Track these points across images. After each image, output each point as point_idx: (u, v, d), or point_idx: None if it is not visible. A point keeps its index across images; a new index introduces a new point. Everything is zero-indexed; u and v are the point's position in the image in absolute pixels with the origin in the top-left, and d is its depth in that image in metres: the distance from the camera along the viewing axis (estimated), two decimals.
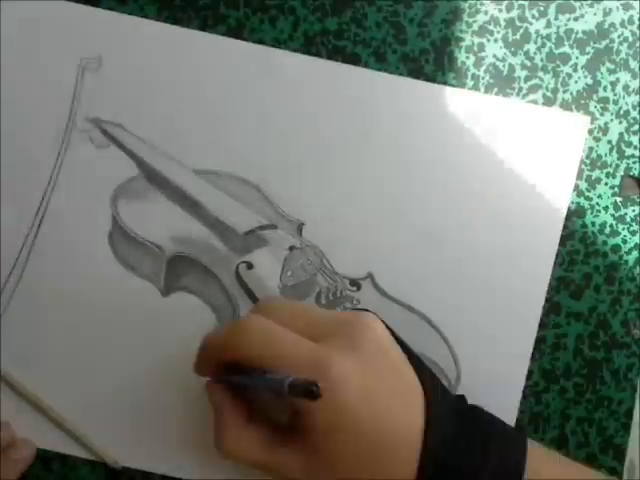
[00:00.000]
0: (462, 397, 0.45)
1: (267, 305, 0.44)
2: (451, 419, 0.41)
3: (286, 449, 0.42)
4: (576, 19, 0.52)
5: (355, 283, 0.50)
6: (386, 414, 0.40)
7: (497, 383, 0.50)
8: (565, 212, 0.51)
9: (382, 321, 0.44)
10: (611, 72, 0.52)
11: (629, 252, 0.51)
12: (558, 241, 0.51)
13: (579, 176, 0.51)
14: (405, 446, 0.40)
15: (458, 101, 0.51)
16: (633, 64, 0.52)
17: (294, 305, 0.45)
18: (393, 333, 0.44)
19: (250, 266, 0.50)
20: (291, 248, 0.51)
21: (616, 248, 0.51)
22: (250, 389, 0.44)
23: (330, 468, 0.41)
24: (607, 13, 0.52)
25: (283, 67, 0.51)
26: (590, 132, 0.52)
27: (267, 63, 0.51)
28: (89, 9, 0.51)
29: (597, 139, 0.52)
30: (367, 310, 0.46)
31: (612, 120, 0.52)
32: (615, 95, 0.52)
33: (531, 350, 0.50)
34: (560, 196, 0.51)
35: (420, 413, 0.41)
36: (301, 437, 0.41)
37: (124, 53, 0.51)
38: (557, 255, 0.51)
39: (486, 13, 0.51)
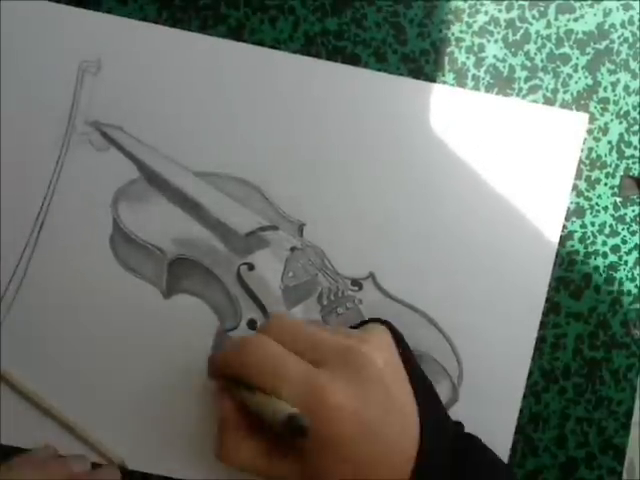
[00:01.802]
0: (459, 424, 0.46)
1: (275, 324, 0.45)
2: (444, 451, 0.42)
3: (284, 461, 0.42)
4: (576, 20, 0.51)
5: (357, 283, 0.51)
6: (379, 445, 0.41)
7: (498, 382, 0.50)
8: (565, 211, 0.51)
9: (395, 334, 0.45)
10: (611, 73, 0.52)
11: (629, 252, 0.51)
12: (558, 240, 0.51)
13: (579, 176, 0.51)
14: (397, 477, 0.41)
15: (457, 100, 0.51)
16: (633, 65, 0.52)
17: (301, 326, 0.45)
18: (405, 349, 0.44)
19: (251, 267, 0.50)
20: (292, 249, 0.51)
21: (616, 248, 0.52)
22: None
23: None
24: (607, 14, 0.51)
25: (282, 68, 0.51)
26: (590, 132, 0.52)
27: (266, 65, 0.51)
28: (88, 12, 0.51)
29: (597, 139, 0.52)
30: (380, 320, 0.46)
31: (612, 120, 0.52)
32: (615, 95, 0.52)
33: (532, 350, 0.51)
34: (559, 194, 0.51)
35: (414, 447, 0.41)
36: (299, 453, 0.42)
37: (123, 56, 0.51)
38: (557, 255, 0.51)
39: (486, 13, 0.51)
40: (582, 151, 0.51)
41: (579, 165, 0.51)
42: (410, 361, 0.44)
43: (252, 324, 0.49)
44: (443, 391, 0.49)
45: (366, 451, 0.41)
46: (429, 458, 0.41)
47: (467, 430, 0.45)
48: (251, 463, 0.43)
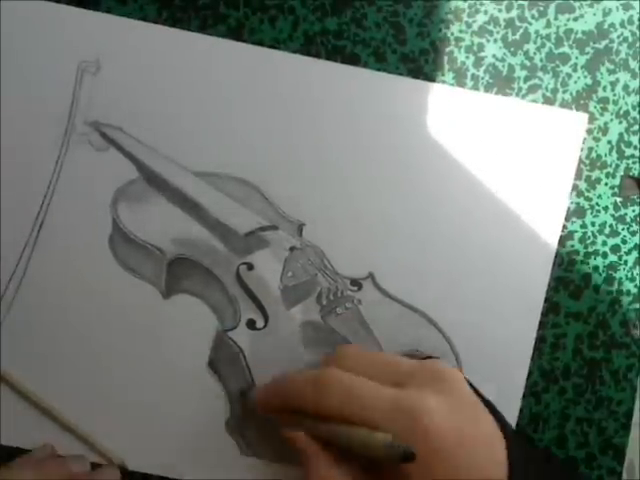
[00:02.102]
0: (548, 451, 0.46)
1: (340, 355, 0.44)
2: (530, 464, 0.41)
3: None
4: (576, 19, 0.51)
5: (356, 283, 0.50)
6: (479, 459, 0.40)
7: (498, 382, 0.50)
8: (565, 210, 0.51)
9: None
10: (611, 72, 0.52)
11: (629, 252, 0.51)
12: (557, 240, 0.51)
13: (579, 176, 0.51)
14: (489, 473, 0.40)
15: (456, 100, 0.51)
16: (633, 64, 0.51)
17: (371, 353, 0.45)
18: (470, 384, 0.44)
19: (251, 267, 0.50)
20: (292, 249, 0.51)
21: (616, 248, 0.51)
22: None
23: None
24: (607, 13, 0.51)
25: (282, 68, 0.51)
26: (590, 132, 0.52)
27: (265, 65, 0.51)
28: (87, 12, 0.50)
29: (597, 139, 0.52)
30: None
31: (612, 120, 0.52)
32: (615, 95, 0.52)
33: (532, 350, 0.51)
34: (559, 194, 0.51)
35: (504, 460, 0.40)
36: (398, 474, 0.40)
37: (122, 56, 0.51)
38: (557, 255, 0.51)
39: (486, 13, 0.51)
40: (582, 151, 0.51)
41: (579, 165, 0.51)
42: (478, 393, 0.43)
43: (251, 324, 0.49)
44: None
45: (466, 465, 0.39)
46: (520, 468, 0.40)
47: None
48: None
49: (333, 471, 0.42)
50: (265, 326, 0.49)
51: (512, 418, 0.50)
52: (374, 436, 0.39)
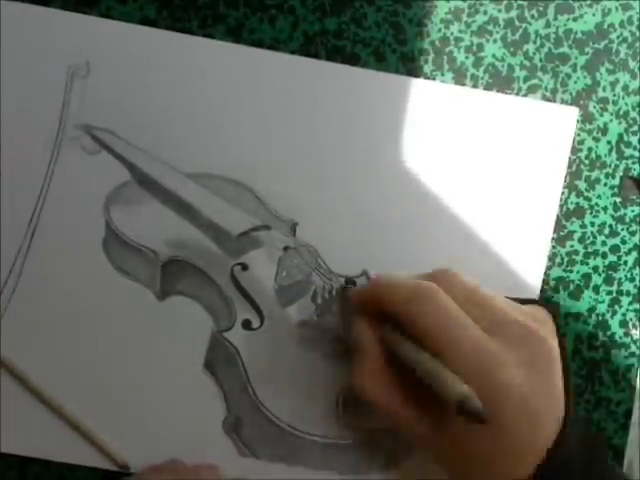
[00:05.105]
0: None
1: (443, 277, 0.42)
2: (577, 447, 0.40)
3: (421, 411, 0.41)
4: (575, 19, 0.51)
5: (350, 281, 0.50)
6: (532, 436, 0.39)
7: None
8: (557, 206, 0.51)
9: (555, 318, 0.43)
10: (610, 72, 0.52)
11: (628, 252, 0.52)
12: (551, 237, 0.51)
13: (578, 176, 0.52)
14: (534, 455, 0.39)
15: (449, 97, 0.51)
16: (632, 64, 0.52)
17: (472, 286, 0.42)
18: (561, 337, 0.42)
19: (245, 267, 0.50)
20: (285, 248, 0.50)
21: (615, 248, 0.52)
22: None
23: (461, 456, 0.40)
24: (606, 13, 0.51)
25: (277, 69, 0.50)
26: (589, 132, 0.52)
27: (259, 66, 0.50)
28: (76, 15, 0.50)
29: (596, 139, 0.52)
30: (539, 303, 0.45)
31: (611, 120, 0.52)
32: (614, 95, 0.52)
33: None
34: (552, 191, 0.51)
35: (557, 427, 0.39)
36: (441, 412, 0.40)
37: (112, 59, 0.50)
38: (556, 255, 0.51)
39: (485, 13, 0.51)
40: (581, 151, 0.51)
41: (579, 165, 0.51)
42: (564, 349, 0.42)
43: (247, 324, 0.49)
44: None
45: (520, 438, 0.39)
46: (566, 447, 0.39)
47: None
48: (387, 400, 0.42)
49: (384, 375, 0.42)
50: (261, 326, 0.49)
51: None
52: (451, 382, 0.37)
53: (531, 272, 0.51)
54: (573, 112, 0.52)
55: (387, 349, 0.43)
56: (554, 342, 0.41)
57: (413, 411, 0.42)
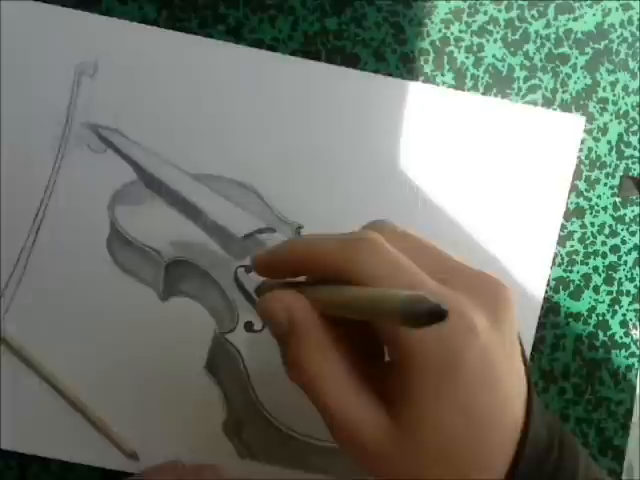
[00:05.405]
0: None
1: (386, 230, 0.36)
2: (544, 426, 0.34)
3: (376, 391, 0.34)
4: (575, 19, 0.51)
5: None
6: (497, 400, 0.32)
7: None
8: (562, 212, 0.51)
9: None
10: (610, 72, 0.52)
11: (628, 252, 0.52)
12: (556, 241, 0.51)
13: (578, 176, 0.51)
14: (505, 430, 0.33)
15: (454, 103, 0.51)
16: (632, 64, 0.52)
17: (417, 237, 0.36)
18: None
19: (249, 270, 0.50)
20: None
21: (615, 248, 0.52)
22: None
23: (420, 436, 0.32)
24: (606, 13, 0.51)
25: (280, 71, 0.51)
26: (589, 132, 0.52)
27: (263, 67, 0.50)
28: (84, 14, 0.50)
29: (596, 139, 0.52)
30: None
31: (611, 120, 0.52)
32: (614, 95, 0.52)
33: (531, 350, 0.51)
34: (557, 197, 0.51)
35: (522, 403, 0.34)
36: (399, 380, 0.33)
37: (120, 58, 0.50)
38: (556, 255, 0.51)
39: (485, 13, 0.51)
40: (581, 151, 0.51)
41: (579, 165, 0.51)
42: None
43: (249, 326, 0.49)
44: None
45: (480, 401, 0.32)
46: (536, 421, 0.33)
47: None
48: (335, 384, 0.33)
49: (330, 353, 0.34)
50: (263, 328, 0.49)
51: None
52: (396, 292, 0.30)
53: (535, 276, 0.51)
54: (580, 121, 0.52)
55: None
56: (510, 292, 0.34)
57: (369, 396, 0.34)
